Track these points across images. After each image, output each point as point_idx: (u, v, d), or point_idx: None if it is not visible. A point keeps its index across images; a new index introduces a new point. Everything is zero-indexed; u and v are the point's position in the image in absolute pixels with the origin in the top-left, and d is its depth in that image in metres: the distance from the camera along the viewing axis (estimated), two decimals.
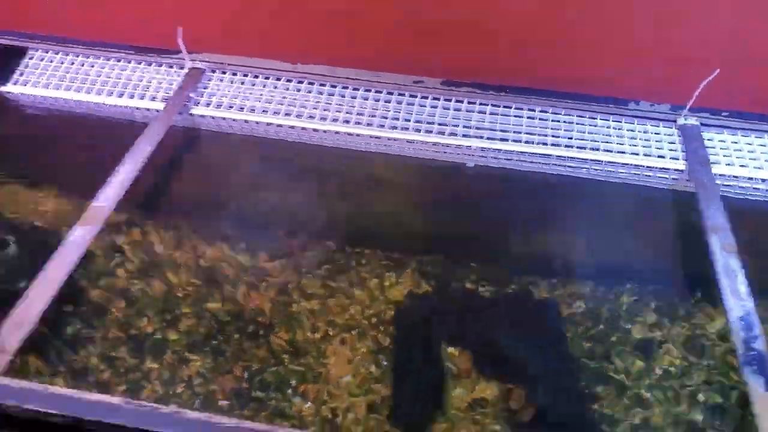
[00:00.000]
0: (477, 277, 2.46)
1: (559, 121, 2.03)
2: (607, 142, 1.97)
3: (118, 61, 2.20)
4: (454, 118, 2.03)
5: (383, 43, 2.06)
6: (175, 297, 2.33)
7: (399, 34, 2.02)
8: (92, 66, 2.19)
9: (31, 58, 2.21)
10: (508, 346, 2.31)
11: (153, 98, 2.10)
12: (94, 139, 2.17)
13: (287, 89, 2.13)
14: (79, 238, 1.62)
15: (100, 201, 1.70)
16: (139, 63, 2.20)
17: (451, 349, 2.32)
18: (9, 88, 2.14)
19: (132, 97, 2.11)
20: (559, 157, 1.96)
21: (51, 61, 2.21)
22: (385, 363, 2.29)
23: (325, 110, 2.08)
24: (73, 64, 2.20)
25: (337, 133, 2.06)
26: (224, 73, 2.17)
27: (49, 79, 2.15)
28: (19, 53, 2.22)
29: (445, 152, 2.02)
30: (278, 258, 2.51)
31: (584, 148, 1.96)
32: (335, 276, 2.49)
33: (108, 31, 2.18)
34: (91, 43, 2.20)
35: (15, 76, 2.16)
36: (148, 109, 2.10)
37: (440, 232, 2.32)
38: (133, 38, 2.19)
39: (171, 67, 2.18)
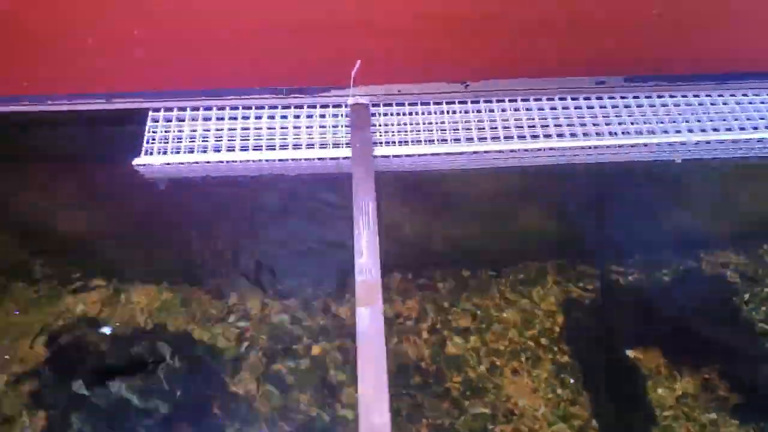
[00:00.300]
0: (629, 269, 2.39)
1: (755, 102, 1.97)
2: None
3: (261, 108, 1.89)
4: (654, 114, 1.91)
5: (556, 47, 1.90)
6: (324, 366, 2.08)
7: (574, 36, 1.88)
8: (233, 118, 1.87)
9: (156, 121, 1.85)
10: (688, 331, 2.25)
11: (323, 145, 1.81)
12: (265, 205, 1.86)
13: (463, 112, 1.93)
14: (369, 322, 1.34)
15: (362, 275, 1.43)
16: (287, 107, 1.90)
17: (633, 350, 2.23)
18: (143, 159, 1.77)
19: (298, 147, 1.81)
20: None
21: (181, 120, 1.86)
22: (573, 381, 2.17)
23: (506, 128, 1.89)
24: (208, 120, 1.86)
25: (525, 151, 1.88)
26: (389, 105, 1.92)
27: (189, 141, 1.81)
28: (140, 117, 1.85)
29: (651, 152, 1.90)
30: (418, 297, 2.32)
31: None
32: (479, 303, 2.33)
33: (231, 76, 1.86)
34: (220, 92, 1.87)
35: (145, 144, 1.80)
36: (322, 159, 1.81)
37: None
38: (264, 80, 1.88)
39: (326, 106, 1.90)
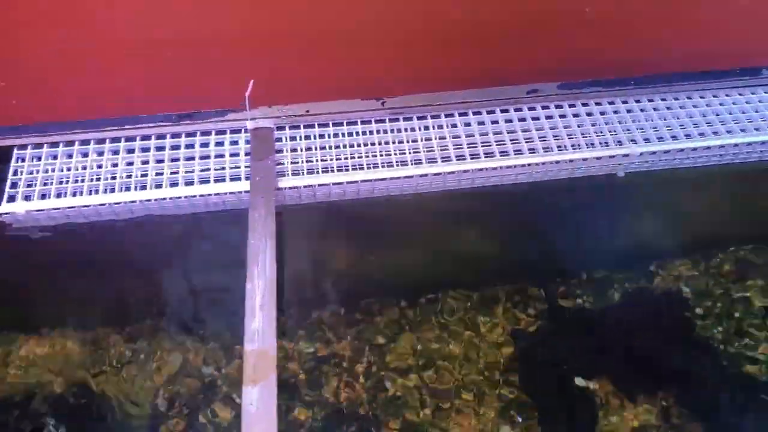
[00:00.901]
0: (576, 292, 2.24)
1: (710, 105, 1.79)
2: None
3: (147, 138, 1.64)
4: (592, 125, 1.72)
5: (480, 54, 1.69)
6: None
7: (500, 41, 1.67)
8: (115, 152, 1.61)
9: (22, 160, 1.59)
10: (641, 355, 2.10)
11: (220, 179, 1.58)
12: (159, 251, 1.61)
13: (379, 132, 1.70)
14: (258, 404, 1.12)
15: (253, 343, 1.20)
16: (177, 135, 1.65)
17: (584, 381, 2.08)
18: (6, 207, 1.51)
19: (190, 183, 1.57)
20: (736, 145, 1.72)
21: (54, 157, 1.60)
22: (521, 419, 2.01)
23: (429, 150, 1.67)
24: (86, 156, 1.61)
25: (450, 173, 1.67)
26: (296, 127, 1.69)
27: (63, 183, 1.55)
28: (2, 156, 1.58)
29: (591, 166, 1.71)
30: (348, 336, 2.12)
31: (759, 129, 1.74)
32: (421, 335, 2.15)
33: (111, 103, 1.61)
34: (99, 123, 1.62)
35: (8, 189, 1.54)
36: (219, 194, 1.57)
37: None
38: (150, 106, 1.63)
39: (223, 132, 1.66)
